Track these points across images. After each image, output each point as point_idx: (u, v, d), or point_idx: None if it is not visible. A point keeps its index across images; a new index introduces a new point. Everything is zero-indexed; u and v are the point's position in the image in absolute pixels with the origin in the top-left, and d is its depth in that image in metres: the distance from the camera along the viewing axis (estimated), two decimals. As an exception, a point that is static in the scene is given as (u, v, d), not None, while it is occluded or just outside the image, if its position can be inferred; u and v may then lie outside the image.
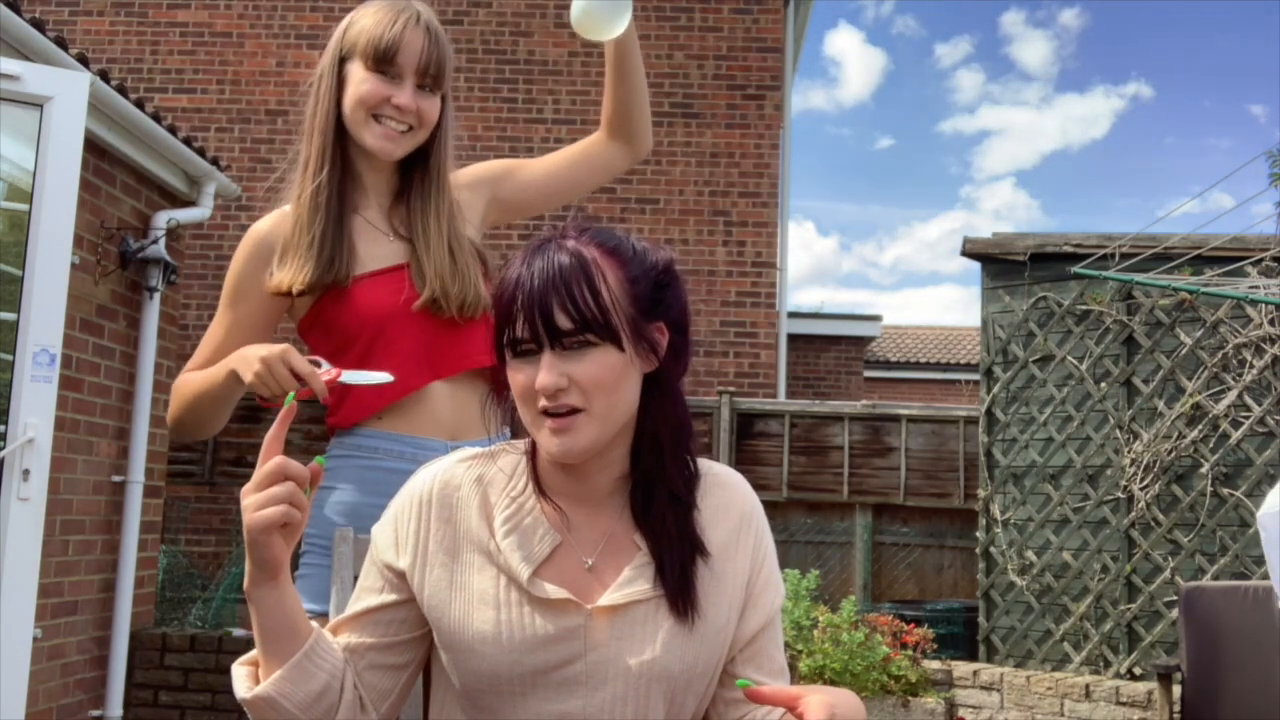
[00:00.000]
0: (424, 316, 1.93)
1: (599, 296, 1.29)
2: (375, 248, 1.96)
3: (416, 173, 1.98)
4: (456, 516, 1.37)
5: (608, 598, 1.33)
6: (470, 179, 2.08)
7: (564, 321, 1.28)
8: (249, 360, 1.80)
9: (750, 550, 1.40)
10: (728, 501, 1.41)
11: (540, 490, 1.38)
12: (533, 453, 1.40)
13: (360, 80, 1.90)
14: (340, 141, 1.95)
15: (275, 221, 1.97)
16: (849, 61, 64.31)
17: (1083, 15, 62.40)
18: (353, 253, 1.93)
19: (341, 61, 1.93)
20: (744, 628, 1.39)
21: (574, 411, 1.29)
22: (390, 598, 1.38)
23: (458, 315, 1.94)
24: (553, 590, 1.32)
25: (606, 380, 1.29)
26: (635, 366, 1.33)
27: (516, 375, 1.32)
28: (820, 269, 50.45)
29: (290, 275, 1.91)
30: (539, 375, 1.29)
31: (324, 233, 1.90)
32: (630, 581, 1.34)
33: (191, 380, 1.93)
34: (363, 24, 1.92)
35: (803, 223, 54.19)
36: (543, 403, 1.29)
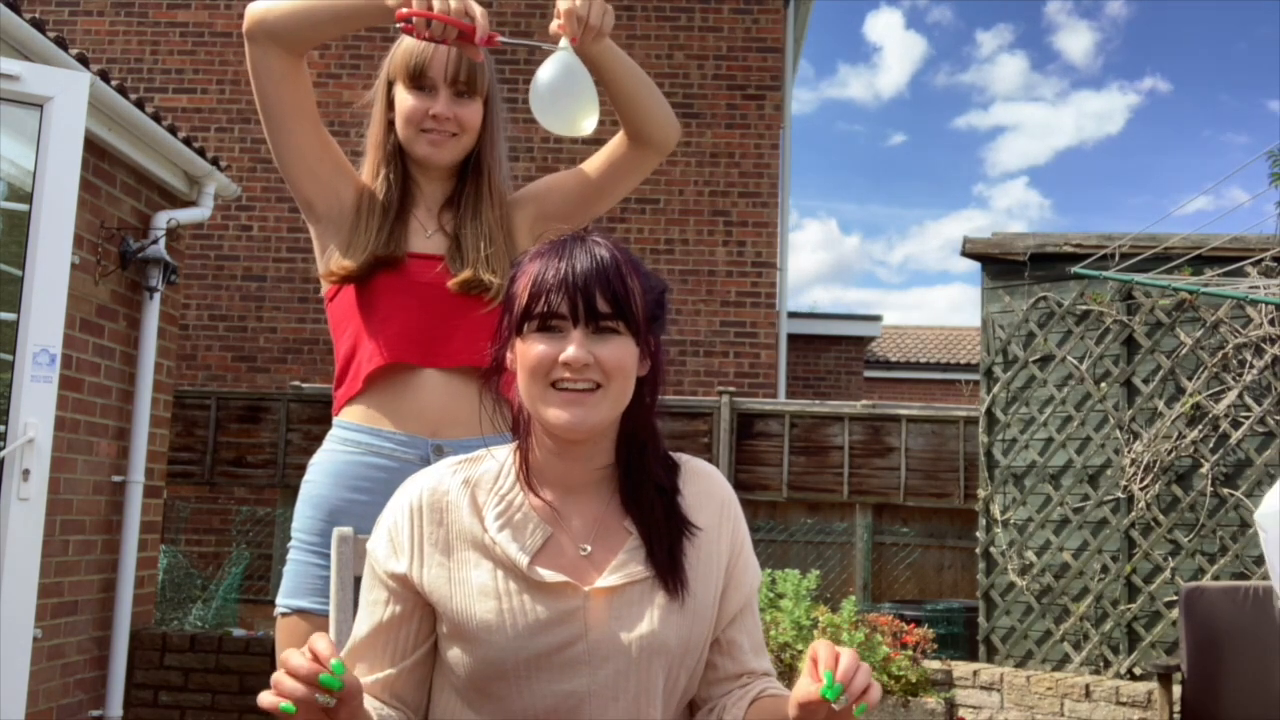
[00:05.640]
0: (434, 303, 2.00)
1: (631, 293, 1.43)
2: (413, 239, 2.07)
3: (470, 176, 2.11)
4: (448, 519, 1.45)
5: (604, 579, 1.41)
6: (517, 197, 2.19)
7: (603, 306, 1.40)
8: None
9: (730, 535, 1.51)
10: (708, 489, 1.52)
11: (529, 484, 1.46)
12: (524, 448, 1.48)
13: (403, 100, 2.05)
14: (399, 154, 2.11)
15: (360, 179, 2.11)
16: (889, 47, 63.72)
17: (1128, 5, 61.57)
18: (397, 244, 2.04)
19: (390, 85, 2.09)
20: (726, 607, 1.48)
21: (595, 388, 1.40)
22: (396, 609, 1.44)
23: (490, 301, 2.02)
24: (549, 575, 1.40)
25: (626, 365, 1.42)
26: (637, 366, 1.45)
27: (535, 347, 1.41)
28: (842, 267, 50.47)
29: (346, 261, 2.03)
30: (569, 349, 1.39)
31: (379, 228, 2.04)
32: (625, 564, 1.43)
33: None
34: (400, 48, 2.08)
35: (826, 220, 54.05)
36: (561, 374, 1.39)
